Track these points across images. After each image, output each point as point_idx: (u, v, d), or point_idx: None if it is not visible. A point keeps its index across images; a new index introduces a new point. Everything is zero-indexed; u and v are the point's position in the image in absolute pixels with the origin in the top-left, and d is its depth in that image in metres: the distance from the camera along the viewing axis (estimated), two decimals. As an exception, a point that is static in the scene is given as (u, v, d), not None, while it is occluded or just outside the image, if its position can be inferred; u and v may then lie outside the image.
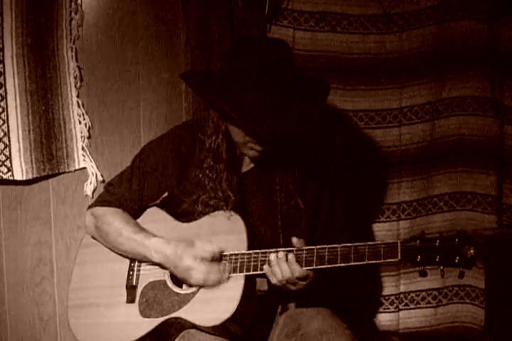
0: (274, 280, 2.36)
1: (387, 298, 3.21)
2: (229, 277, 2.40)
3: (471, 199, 3.12)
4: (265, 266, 2.37)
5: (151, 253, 2.47)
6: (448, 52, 3.08)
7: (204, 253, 2.40)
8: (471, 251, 2.19)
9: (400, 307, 3.20)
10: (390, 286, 3.20)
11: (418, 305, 3.20)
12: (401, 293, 3.20)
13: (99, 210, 2.62)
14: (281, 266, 2.34)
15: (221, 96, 2.32)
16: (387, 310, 3.21)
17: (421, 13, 3.09)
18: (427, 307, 3.20)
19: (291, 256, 2.34)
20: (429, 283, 3.15)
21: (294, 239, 2.37)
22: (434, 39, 3.09)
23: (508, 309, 2.85)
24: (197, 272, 2.40)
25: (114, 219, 2.57)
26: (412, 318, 3.21)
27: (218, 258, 2.42)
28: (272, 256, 2.35)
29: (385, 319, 3.21)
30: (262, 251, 2.40)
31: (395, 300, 3.21)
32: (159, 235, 2.53)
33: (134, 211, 2.62)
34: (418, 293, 3.20)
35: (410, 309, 3.21)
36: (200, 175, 2.54)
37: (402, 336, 3.20)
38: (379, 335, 3.21)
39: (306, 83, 2.41)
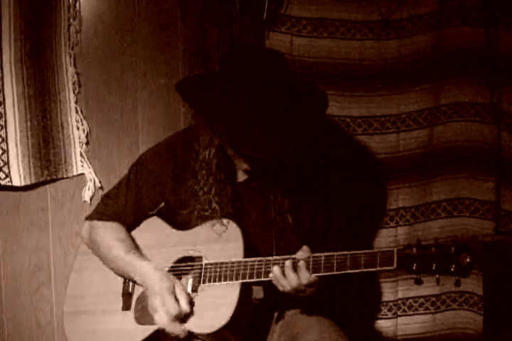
0: (281, 289, 2.35)
1: (385, 304, 3.20)
2: (187, 335, 2.39)
3: (469, 206, 3.11)
4: (271, 275, 2.35)
5: (136, 275, 2.48)
6: (446, 59, 3.08)
7: (172, 309, 2.38)
8: (467, 259, 2.17)
9: (398, 313, 3.20)
10: (388, 292, 3.19)
11: (416, 312, 3.20)
12: (399, 299, 3.19)
13: (95, 224, 2.63)
14: (288, 275, 2.32)
15: (215, 116, 2.31)
16: (385, 317, 3.20)
17: (419, 20, 3.09)
18: (425, 314, 3.19)
19: (301, 263, 2.31)
20: (427, 289, 3.15)
21: (298, 254, 2.36)
22: (432, 45, 3.09)
23: (506, 315, 2.85)
24: (158, 317, 2.39)
25: (107, 235, 2.58)
26: (410, 324, 3.20)
27: (184, 316, 2.40)
28: (276, 267, 2.34)
29: (383, 325, 3.20)
30: (259, 259, 2.40)
31: (393, 307, 3.20)
32: (157, 243, 2.54)
33: (132, 222, 2.62)
34: (416, 299, 3.19)
35: (408, 315, 3.20)
36: (195, 187, 2.53)
37: (400, 342, 3.20)
38: (377, 341, 3.22)
39: (302, 98, 2.40)
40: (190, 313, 2.39)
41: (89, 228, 2.64)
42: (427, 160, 3.14)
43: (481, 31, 3.01)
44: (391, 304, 3.21)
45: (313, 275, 2.31)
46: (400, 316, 3.20)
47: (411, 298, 3.19)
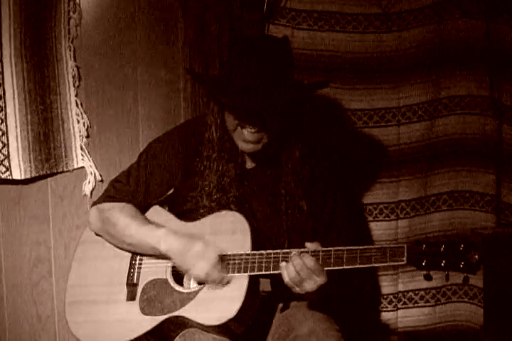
0: (286, 278, 2.34)
1: (385, 296, 3.21)
2: (228, 281, 2.40)
3: (470, 198, 3.12)
4: (282, 263, 2.35)
5: (160, 242, 2.48)
6: (446, 51, 3.08)
7: (209, 253, 2.40)
8: (476, 256, 2.21)
9: (399, 306, 3.21)
10: (388, 285, 3.20)
11: (416, 304, 3.21)
12: (399, 291, 3.20)
13: (106, 205, 2.63)
14: (294, 261, 2.32)
15: (212, 82, 2.45)
16: (385, 309, 3.21)
17: (419, 12, 3.09)
18: (425, 306, 3.21)
19: (304, 254, 2.33)
20: (427, 282, 3.14)
21: (308, 244, 2.37)
22: (432, 38, 3.09)
23: (506, 308, 2.85)
24: (199, 268, 2.40)
25: (121, 213, 2.58)
26: (410, 317, 3.21)
27: (220, 260, 2.41)
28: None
29: (383, 318, 3.21)
30: (267, 251, 2.40)
31: (394, 299, 3.21)
32: None
33: (140, 207, 2.62)
34: (416, 291, 3.20)
35: (409, 308, 3.21)
36: (202, 168, 2.55)
37: (401, 335, 3.20)
38: (378, 334, 3.21)
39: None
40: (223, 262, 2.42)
41: (98, 211, 2.63)
42: (427, 152, 3.15)
43: (481, 24, 3.02)
44: (391, 296, 3.22)
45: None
46: (401, 309, 3.21)
47: (411, 290, 3.20)
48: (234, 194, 2.53)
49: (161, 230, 2.50)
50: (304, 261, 2.31)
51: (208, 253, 2.41)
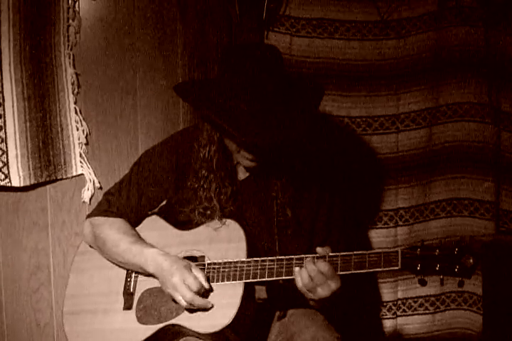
0: (299, 284, 2.31)
1: (384, 304, 3.21)
2: (212, 306, 2.38)
3: (469, 206, 3.12)
4: (296, 268, 2.33)
5: (147, 263, 2.47)
6: (445, 59, 3.09)
7: (193, 283, 2.38)
8: (471, 260, 2.19)
9: (398, 313, 3.20)
10: (387, 293, 3.20)
11: (416, 312, 3.20)
12: (399, 299, 3.20)
13: (98, 220, 2.63)
14: (308, 266, 2.30)
15: (214, 108, 2.33)
16: (384, 317, 3.21)
17: (418, 20, 3.10)
18: (424, 314, 3.20)
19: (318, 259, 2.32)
20: (426, 289, 3.15)
21: (318, 249, 2.36)
22: (431, 45, 3.10)
23: (505, 315, 2.85)
24: (181, 296, 2.38)
25: (112, 230, 2.58)
26: (409, 325, 3.21)
27: (205, 292, 2.40)
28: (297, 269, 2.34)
29: (382, 326, 3.21)
30: (262, 259, 2.40)
31: (393, 307, 3.20)
32: (159, 243, 2.54)
33: (134, 220, 2.63)
34: (416, 299, 3.20)
35: (408, 315, 3.21)
36: (196, 185, 2.55)
37: (400, 343, 3.20)
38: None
39: (298, 90, 2.42)
40: (210, 290, 2.40)
41: (91, 226, 2.64)
42: (426, 160, 3.15)
43: (480, 31, 3.03)
44: (390, 304, 3.21)
45: None
46: (400, 316, 3.21)
47: (410, 298, 3.20)
48: (229, 209, 2.53)
49: (149, 250, 2.49)
50: (318, 266, 2.29)
51: (190, 281, 2.38)
